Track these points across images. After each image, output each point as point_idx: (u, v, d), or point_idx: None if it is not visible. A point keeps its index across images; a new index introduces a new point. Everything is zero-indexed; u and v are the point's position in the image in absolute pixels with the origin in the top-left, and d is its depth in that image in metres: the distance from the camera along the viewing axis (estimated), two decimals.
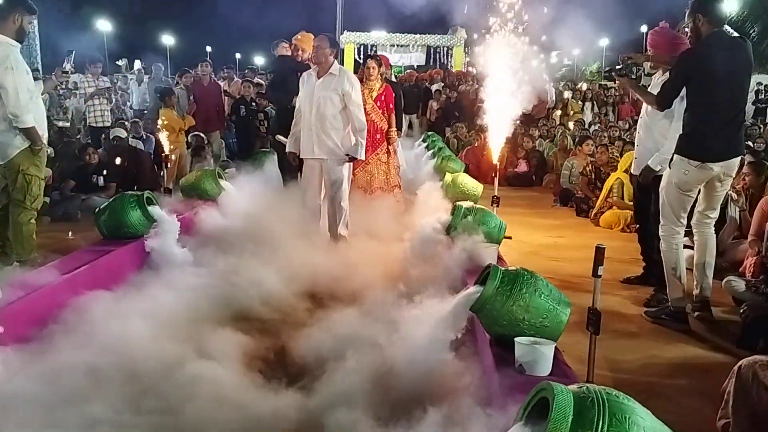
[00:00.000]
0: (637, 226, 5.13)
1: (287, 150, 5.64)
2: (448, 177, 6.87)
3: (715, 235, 4.25)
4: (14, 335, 3.10)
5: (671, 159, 4.01)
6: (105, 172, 7.12)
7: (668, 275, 4.12)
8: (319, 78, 5.33)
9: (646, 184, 4.54)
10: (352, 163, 5.59)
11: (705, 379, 3.17)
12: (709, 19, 3.86)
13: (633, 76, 4.46)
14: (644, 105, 4.62)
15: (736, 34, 3.99)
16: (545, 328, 2.72)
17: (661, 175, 4.20)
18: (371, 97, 6.55)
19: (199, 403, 2.58)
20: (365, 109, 6.16)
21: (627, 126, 10.81)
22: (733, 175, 4.12)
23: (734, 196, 5.41)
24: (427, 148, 10.19)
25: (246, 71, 15.06)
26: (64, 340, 3.12)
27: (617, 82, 5.06)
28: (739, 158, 4.04)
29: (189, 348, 3.17)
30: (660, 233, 4.15)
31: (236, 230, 5.48)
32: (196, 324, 3.52)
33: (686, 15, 4.00)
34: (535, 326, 2.72)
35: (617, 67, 4.49)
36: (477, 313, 2.86)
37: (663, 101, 4.13)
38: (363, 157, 5.51)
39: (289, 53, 6.78)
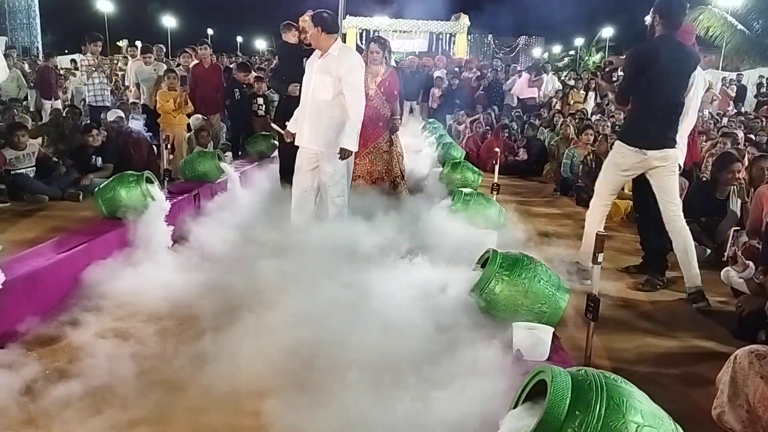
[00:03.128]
0: (637, 216, 5.13)
1: (287, 129, 5.16)
2: (448, 164, 6.84)
3: (687, 227, 4.40)
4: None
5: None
6: (103, 152, 7.08)
7: (585, 234, 4.65)
8: (319, 59, 4.85)
9: None
10: (352, 156, 5.02)
11: (701, 368, 3.18)
12: (665, 22, 4.21)
13: (614, 79, 4.80)
14: None
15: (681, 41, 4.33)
16: (543, 313, 2.73)
17: None
18: (375, 82, 6.24)
19: None
20: (368, 94, 5.93)
21: None
22: (666, 165, 4.29)
23: (736, 188, 5.40)
24: (428, 134, 10.18)
25: (249, 59, 15.00)
26: None
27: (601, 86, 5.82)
28: (672, 150, 4.27)
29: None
30: (591, 203, 4.66)
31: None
32: None
33: (650, 11, 4.32)
34: (533, 311, 2.72)
35: (605, 70, 4.78)
36: (476, 297, 2.86)
37: (621, 97, 4.50)
38: (354, 148, 4.80)
39: (297, 40, 6.61)
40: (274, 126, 6.46)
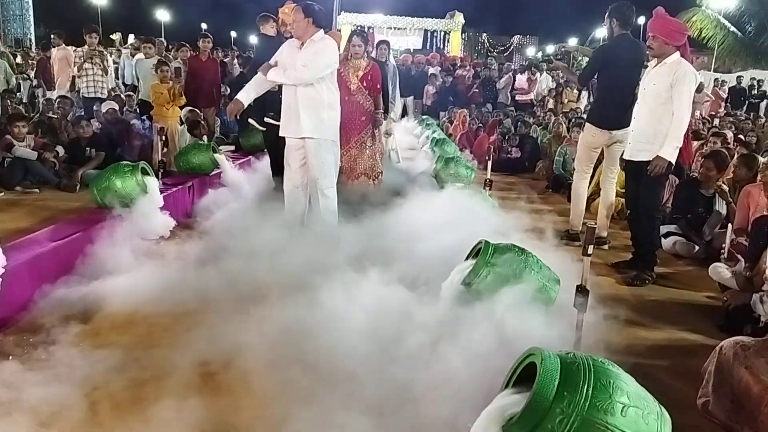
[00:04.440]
0: (628, 212, 5.19)
1: (235, 98, 4.90)
2: (441, 160, 6.88)
3: (614, 190, 5.55)
4: None
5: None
6: (96, 143, 7.07)
7: (573, 205, 5.73)
8: (301, 49, 4.77)
9: (659, 174, 4.51)
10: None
11: (688, 360, 3.23)
12: (620, 24, 5.08)
13: (565, 63, 5.73)
14: (644, 90, 4.66)
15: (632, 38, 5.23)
16: (534, 303, 2.78)
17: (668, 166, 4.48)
18: (357, 76, 6.11)
19: None
20: (350, 89, 5.98)
21: None
22: (623, 141, 5.07)
23: (724, 187, 5.47)
24: (422, 131, 10.24)
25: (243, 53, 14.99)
26: None
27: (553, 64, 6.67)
28: (630, 128, 4.87)
29: None
30: (573, 178, 5.71)
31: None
32: None
33: (605, 16, 5.19)
34: (524, 300, 2.77)
35: (556, 55, 5.30)
36: (467, 288, 2.90)
37: (582, 81, 5.91)
38: (274, 79, 4.72)
39: (275, 32, 6.51)
40: (251, 123, 6.37)
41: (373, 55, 7.19)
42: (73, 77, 9.31)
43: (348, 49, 6.12)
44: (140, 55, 9.86)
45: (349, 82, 6.03)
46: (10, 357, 2.93)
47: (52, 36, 8.87)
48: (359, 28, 6.97)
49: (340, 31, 15.85)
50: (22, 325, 3.30)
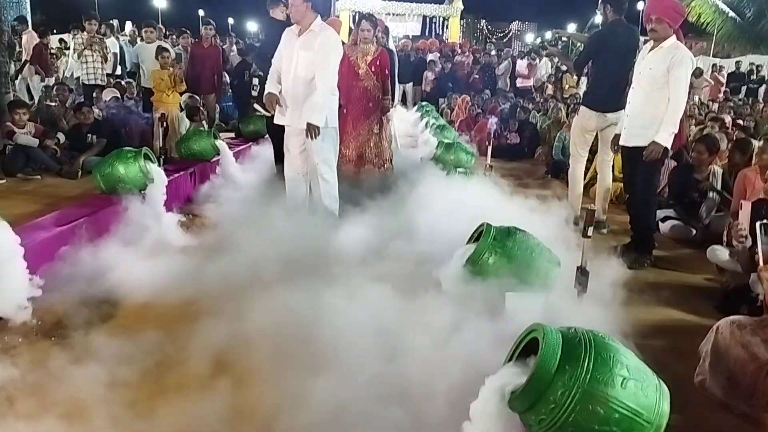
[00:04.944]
0: (626, 196, 5.24)
1: (266, 92, 4.90)
2: (441, 146, 6.90)
3: (611, 174, 5.66)
4: None
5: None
6: (97, 130, 7.09)
7: (570, 189, 5.78)
8: (300, 37, 4.76)
9: (655, 159, 4.54)
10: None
11: (685, 339, 3.28)
12: (614, 9, 5.22)
13: (562, 49, 5.85)
14: (639, 74, 4.68)
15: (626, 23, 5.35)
16: (535, 284, 2.83)
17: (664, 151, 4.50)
18: (365, 61, 6.04)
19: None
20: (358, 74, 5.95)
21: None
22: (617, 123, 5.10)
23: (717, 170, 5.51)
24: (421, 117, 10.26)
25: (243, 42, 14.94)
26: None
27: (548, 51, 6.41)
28: (623, 111, 4.96)
29: None
30: (570, 162, 5.79)
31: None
32: None
33: (599, 1, 5.31)
34: (525, 283, 2.82)
35: (551, 41, 5.34)
36: (469, 270, 2.95)
37: (577, 67, 6.02)
38: (321, 123, 4.66)
39: (284, 17, 6.46)
40: (257, 108, 6.34)
41: None
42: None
43: (357, 33, 6.07)
44: (140, 42, 9.86)
45: (358, 68, 5.98)
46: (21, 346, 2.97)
47: (83, 19, 8.81)
48: (367, 13, 6.97)
49: (338, 17, 15.80)
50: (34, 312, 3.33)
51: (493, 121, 9.98)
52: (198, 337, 2.97)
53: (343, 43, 5.73)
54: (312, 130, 4.63)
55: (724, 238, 4.49)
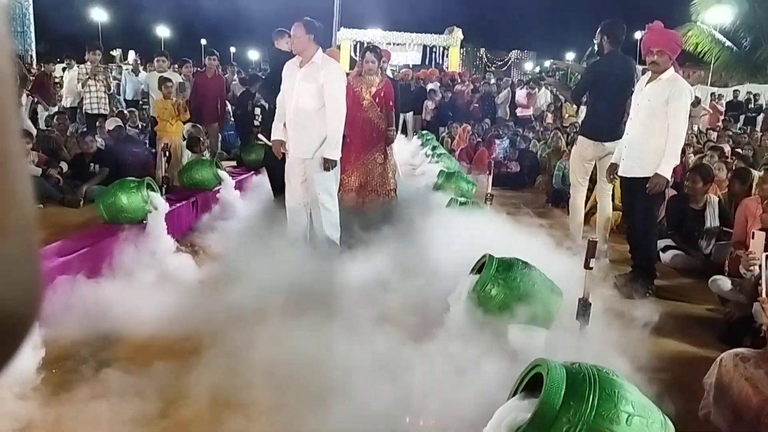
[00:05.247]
0: (627, 226, 5.25)
1: (272, 138, 5.05)
2: (442, 175, 6.94)
3: (610, 203, 5.68)
4: None
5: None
6: (100, 159, 7.13)
7: (571, 218, 5.82)
8: (301, 68, 4.81)
9: (657, 192, 4.59)
10: (339, 163, 4.97)
11: (689, 371, 3.27)
12: (610, 41, 5.30)
13: (556, 78, 5.98)
14: (638, 106, 4.72)
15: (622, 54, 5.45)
16: (538, 316, 2.83)
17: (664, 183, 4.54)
18: (369, 92, 6.09)
19: None
20: (362, 105, 5.97)
21: None
22: (614, 152, 5.12)
23: (713, 199, 5.52)
24: (422, 146, 10.32)
25: (246, 73, 15.10)
26: None
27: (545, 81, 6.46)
28: (621, 140, 5.08)
29: None
30: (570, 192, 5.82)
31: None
32: None
33: (597, 32, 5.38)
34: (528, 314, 2.82)
35: (547, 71, 5.41)
36: (472, 301, 2.95)
37: (575, 97, 6.11)
38: (337, 158, 4.79)
39: (289, 48, 6.55)
40: (261, 138, 6.38)
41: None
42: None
43: (362, 65, 6.12)
44: (149, 72, 9.98)
45: (362, 99, 6.00)
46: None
47: (86, 49, 8.96)
48: (372, 45, 7.04)
49: (339, 48, 15.97)
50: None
51: (500, 147, 10.07)
52: (201, 372, 2.95)
53: (347, 73, 5.80)
54: (329, 165, 4.73)
55: (726, 268, 4.50)
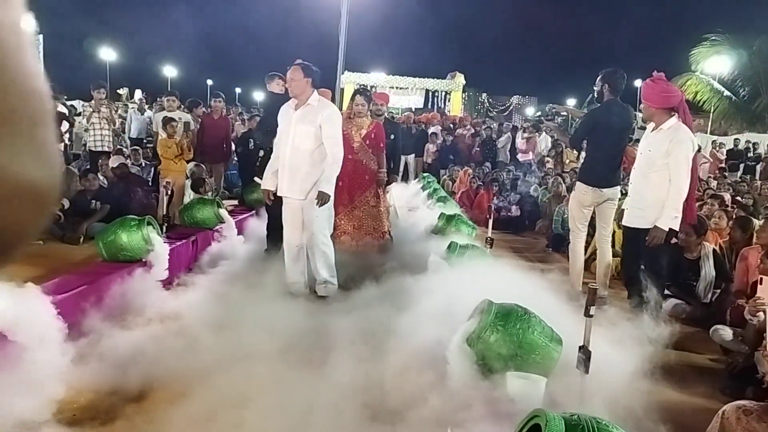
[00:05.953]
0: (624, 273, 5.23)
1: (262, 187, 5.17)
2: (443, 218, 6.95)
3: (611, 249, 5.70)
4: None
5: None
6: (102, 197, 7.15)
7: (571, 264, 5.74)
8: (297, 110, 4.89)
9: (658, 244, 4.56)
10: (333, 203, 5.01)
11: (691, 423, 3.22)
12: (610, 89, 5.34)
13: (556, 122, 6.13)
14: (641, 155, 4.75)
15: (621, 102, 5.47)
16: (537, 363, 2.79)
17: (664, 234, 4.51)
18: (359, 134, 6.12)
19: None
20: (353, 147, 5.99)
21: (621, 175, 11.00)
22: (614, 199, 5.45)
23: (708, 249, 5.50)
24: (423, 189, 10.36)
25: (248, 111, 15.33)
26: None
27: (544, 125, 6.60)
28: (619, 187, 5.52)
29: None
30: (570, 238, 5.75)
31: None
32: None
33: (597, 79, 5.44)
34: (527, 362, 2.78)
35: (546, 116, 5.50)
36: (471, 348, 2.92)
37: (574, 142, 6.04)
38: (331, 193, 4.81)
39: (283, 90, 6.67)
40: (257, 180, 6.44)
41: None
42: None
43: (351, 107, 6.18)
44: (155, 110, 10.13)
45: (352, 141, 6.03)
46: None
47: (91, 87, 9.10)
48: (362, 87, 7.11)
49: (343, 91, 16.15)
50: None
51: (501, 191, 10.10)
52: (195, 422, 2.90)
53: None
54: (322, 198, 4.73)
55: (728, 318, 4.46)
